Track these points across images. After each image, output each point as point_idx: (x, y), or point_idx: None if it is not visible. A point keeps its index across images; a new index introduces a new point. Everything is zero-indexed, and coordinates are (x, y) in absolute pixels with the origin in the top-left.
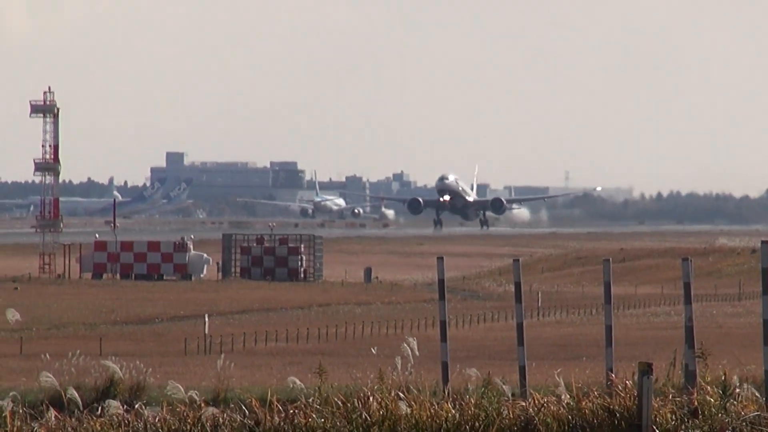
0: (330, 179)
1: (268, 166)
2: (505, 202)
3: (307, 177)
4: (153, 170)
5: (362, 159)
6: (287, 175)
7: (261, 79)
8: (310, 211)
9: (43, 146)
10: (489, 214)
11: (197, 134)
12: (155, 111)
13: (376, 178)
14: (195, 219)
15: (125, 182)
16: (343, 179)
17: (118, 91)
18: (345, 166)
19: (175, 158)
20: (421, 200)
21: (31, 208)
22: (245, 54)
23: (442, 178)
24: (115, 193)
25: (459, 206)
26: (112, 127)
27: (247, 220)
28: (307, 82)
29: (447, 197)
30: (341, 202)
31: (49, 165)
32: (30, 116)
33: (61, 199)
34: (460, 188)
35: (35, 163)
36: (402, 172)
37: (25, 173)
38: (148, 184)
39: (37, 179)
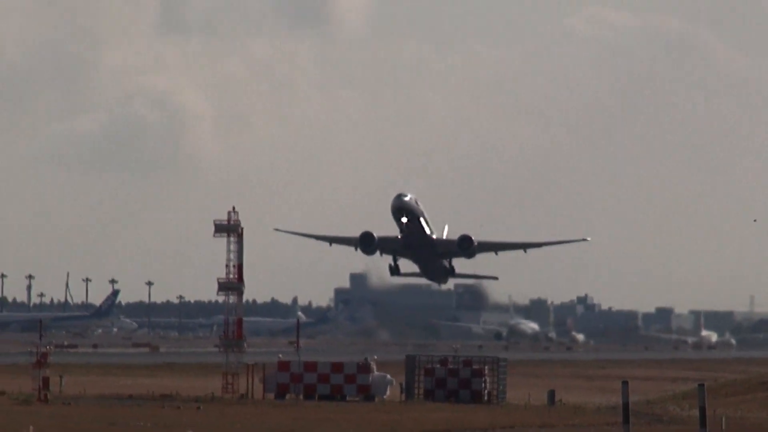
0: (514, 302)
1: (452, 288)
2: (475, 242)
3: (491, 299)
4: (337, 291)
5: (548, 281)
6: (471, 297)
7: (444, 196)
8: (503, 334)
9: (227, 266)
10: (456, 260)
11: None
12: (338, 231)
13: (560, 300)
14: (378, 340)
15: (309, 302)
16: (527, 302)
17: (301, 211)
18: (529, 288)
19: (359, 279)
20: (375, 235)
21: (215, 327)
22: (426, 176)
23: (400, 196)
24: (299, 313)
25: (417, 242)
26: (296, 247)
27: (431, 341)
28: (491, 203)
29: (405, 219)
30: (535, 325)
31: (233, 285)
32: (214, 236)
33: (244, 318)
34: (421, 211)
35: (219, 283)
36: (586, 295)
37: (209, 293)
38: (332, 305)
39: (221, 299)
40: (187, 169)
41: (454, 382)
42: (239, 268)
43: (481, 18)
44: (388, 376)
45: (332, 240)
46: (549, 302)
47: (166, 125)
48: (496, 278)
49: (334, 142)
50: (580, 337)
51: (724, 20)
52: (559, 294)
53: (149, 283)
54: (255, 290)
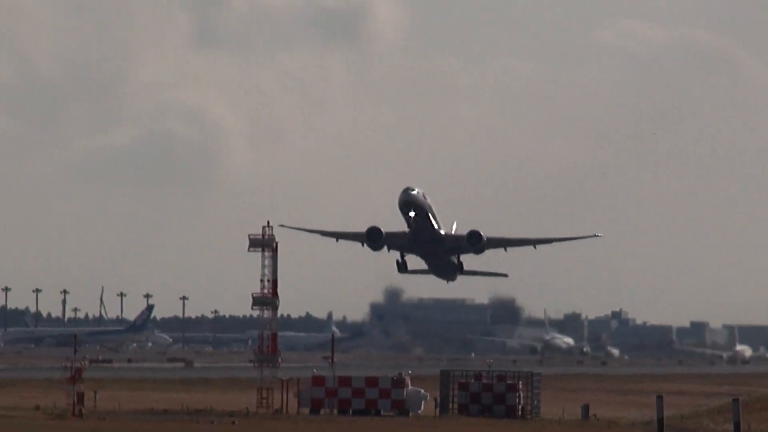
0: (549, 316)
1: (486, 302)
2: (484, 237)
3: (525, 314)
4: (371, 306)
5: (582, 295)
6: (506, 312)
7: (475, 211)
8: (538, 348)
9: (261, 281)
10: (464, 255)
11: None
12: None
13: (595, 315)
14: (412, 355)
15: (344, 317)
16: (561, 316)
17: (337, 225)
18: (563, 303)
19: (393, 294)
20: (382, 231)
21: (249, 342)
22: (455, 187)
23: (408, 189)
24: (334, 328)
25: (425, 237)
26: (330, 262)
27: (465, 356)
28: (518, 215)
29: (412, 213)
30: (570, 340)
31: (268, 300)
32: (248, 250)
33: (279, 333)
34: (429, 205)
35: (253, 298)
36: (620, 309)
37: (244, 307)
38: (366, 320)
39: (255, 314)
40: (221, 183)
41: (489, 397)
42: (274, 282)
43: (512, 32)
44: (423, 391)
45: (338, 236)
46: (583, 317)
47: (200, 139)
48: (505, 275)
49: (366, 155)
50: (615, 351)
51: (756, 34)
52: (593, 308)
53: (184, 298)
54: (290, 305)
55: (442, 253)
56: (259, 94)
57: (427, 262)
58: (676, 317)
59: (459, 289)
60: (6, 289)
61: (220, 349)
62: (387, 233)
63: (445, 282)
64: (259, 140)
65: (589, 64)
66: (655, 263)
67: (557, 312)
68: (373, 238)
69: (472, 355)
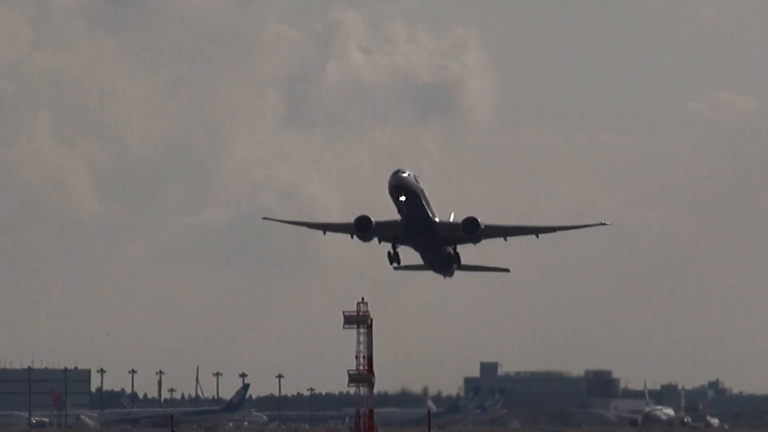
0: (646, 387)
1: (582, 374)
2: (481, 225)
3: (621, 385)
4: (466, 380)
5: (678, 366)
6: (601, 384)
7: (574, 286)
8: (639, 420)
9: (356, 357)
10: (460, 245)
11: (510, 344)
12: (468, 321)
13: (691, 385)
14: (509, 429)
15: (439, 392)
16: (658, 387)
17: (431, 302)
18: (659, 374)
19: (488, 368)
20: (372, 220)
21: (346, 419)
22: (558, 258)
23: (398, 172)
24: (430, 403)
25: (418, 225)
26: (425, 337)
27: (562, 429)
28: (619, 289)
29: (403, 198)
30: (670, 411)
31: (363, 376)
32: (343, 327)
33: (375, 410)
34: (422, 189)
35: (349, 375)
36: (717, 379)
37: (339, 385)
38: (462, 395)
39: (352, 390)
40: (315, 260)
41: None
42: (369, 359)
43: (602, 104)
44: None
45: (326, 228)
46: (680, 387)
47: (293, 216)
48: (507, 270)
49: None
50: (715, 421)
51: None
52: (689, 379)
53: (279, 376)
54: (385, 381)
55: (437, 244)
56: (352, 171)
57: (421, 254)
58: None
59: (554, 361)
60: (101, 371)
61: (316, 427)
62: (377, 222)
63: (542, 353)
64: (352, 216)
65: (679, 135)
66: (749, 333)
67: (653, 383)
68: (363, 227)
69: (567, 428)
